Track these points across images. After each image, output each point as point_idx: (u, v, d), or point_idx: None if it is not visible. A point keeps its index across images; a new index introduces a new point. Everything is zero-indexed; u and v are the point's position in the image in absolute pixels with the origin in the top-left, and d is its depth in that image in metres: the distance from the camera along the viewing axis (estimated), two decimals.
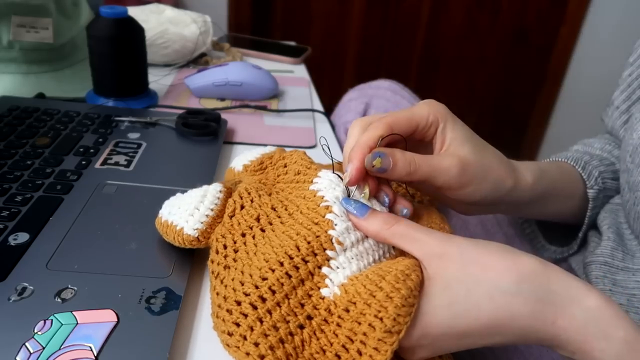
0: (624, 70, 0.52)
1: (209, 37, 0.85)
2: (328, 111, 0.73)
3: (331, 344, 0.28)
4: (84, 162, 0.49)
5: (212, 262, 0.34)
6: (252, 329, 0.28)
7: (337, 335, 0.28)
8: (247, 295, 0.29)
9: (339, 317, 0.28)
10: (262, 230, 0.34)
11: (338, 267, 0.30)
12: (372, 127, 0.35)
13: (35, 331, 0.29)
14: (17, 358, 0.28)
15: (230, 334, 0.28)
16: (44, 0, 0.64)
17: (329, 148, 0.37)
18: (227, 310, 0.29)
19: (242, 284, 0.30)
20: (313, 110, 0.71)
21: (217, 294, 0.31)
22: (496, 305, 0.27)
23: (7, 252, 0.36)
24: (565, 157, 0.51)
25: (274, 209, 0.35)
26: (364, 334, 0.27)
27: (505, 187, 0.39)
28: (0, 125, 0.54)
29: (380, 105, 0.67)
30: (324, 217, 0.32)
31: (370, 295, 0.28)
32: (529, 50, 2.05)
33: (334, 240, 0.31)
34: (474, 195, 0.37)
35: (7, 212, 0.40)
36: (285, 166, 0.41)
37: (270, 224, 0.34)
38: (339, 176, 0.35)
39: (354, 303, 0.28)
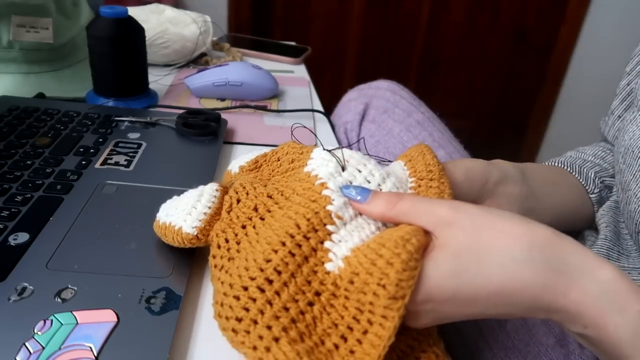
0: (621, 80, 0.53)
1: (209, 37, 0.85)
2: (328, 111, 0.73)
3: (342, 317, 0.28)
4: (84, 162, 0.49)
5: (214, 257, 0.34)
6: (262, 313, 0.27)
7: (347, 308, 0.28)
8: (253, 279, 0.29)
9: (346, 289, 0.28)
10: (262, 218, 0.34)
11: (340, 241, 0.30)
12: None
13: (35, 331, 0.29)
14: (17, 358, 0.28)
15: (239, 320, 0.28)
16: (44, 0, 0.64)
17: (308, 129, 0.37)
18: (235, 297, 0.29)
19: (247, 269, 0.30)
20: (313, 111, 0.71)
21: (222, 282, 0.30)
22: (507, 273, 0.26)
23: (7, 252, 0.36)
24: (561, 162, 0.52)
25: (270, 196, 0.35)
26: (370, 303, 0.27)
27: (482, 170, 0.40)
28: (0, 125, 0.54)
29: (380, 105, 0.68)
30: (320, 194, 0.32)
31: (371, 264, 0.27)
32: (529, 50, 2.05)
33: (333, 215, 0.31)
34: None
35: (7, 212, 0.40)
36: (279, 159, 0.40)
37: (269, 211, 0.34)
38: (329, 151, 0.35)
39: (357, 274, 0.28)
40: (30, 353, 0.28)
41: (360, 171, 0.34)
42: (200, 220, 0.35)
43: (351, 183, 0.33)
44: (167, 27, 0.80)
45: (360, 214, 0.32)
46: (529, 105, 2.16)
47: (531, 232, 0.27)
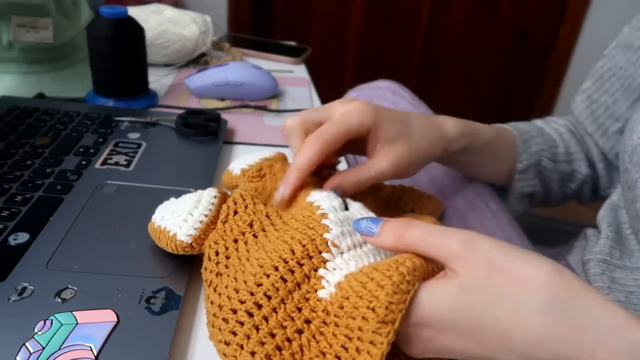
0: (599, 62, 0.56)
1: (209, 37, 0.85)
2: None
3: (331, 346, 0.27)
4: (84, 162, 0.49)
5: (205, 269, 0.33)
6: (248, 338, 0.27)
7: (336, 336, 0.27)
8: (242, 302, 0.28)
9: (335, 315, 0.28)
10: (255, 236, 0.33)
11: (335, 269, 0.29)
12: (308, 145, 0.37)
13: (35, 331, 0.29)
14: (17, 358, 0.28)
15: (227, 344, 0.28)
16: (44, 0, 0.64)
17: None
18: (224, 319, 0.28)
19: (237, 292, 0.29)
20: None
21: (212, 302, 0.30)
22: (519, 321, 0.23)
23: (7, 252, 0.36)
24: (515, 127, 0.55)
25: (268, 216, 0.35)
26: (359, 328, 0.26)
27: (436, 155, 0.44)
28: (0, 125, 0.54)
29: (380, 105, 0.67)
30: (319, 222, 0.31)
31: (362, 287, 0.27)
32: (529, 49, 2.05)
33: (329, 243, 0.30)
34: (410, 174, 0.42)
35: (7, 212, 0.40)
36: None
37: (264, 230, 0.34)
38: (335, 192, 0.35)
39: (347, 298, 0.27)
40: (30, 353, 0.28)
41: (361, 214, 0.34)
42: (195, 229, 0.35)
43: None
44: (167, 27, 0.80)
45: (361, 245, 0.31)
46: (529, 105, 2.16)
47: (554, 280, 0.24)
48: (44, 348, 0.28)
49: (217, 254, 0.33)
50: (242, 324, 0.28)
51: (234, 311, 0.28)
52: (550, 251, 0.58)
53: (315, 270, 0.30)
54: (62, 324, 0.30)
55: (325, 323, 0.28)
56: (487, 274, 0.25)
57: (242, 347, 0.27)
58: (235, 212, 0.36)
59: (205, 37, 0.84)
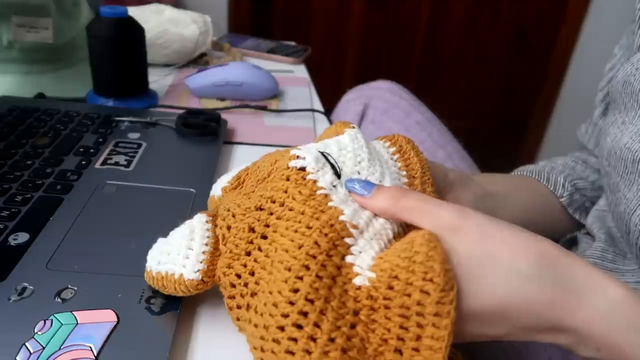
0: (602, 81, 0.54)
1: (209, 37, 0.85)
2: (328, 111, 0.73)
3: (389, 330, 0.25)
4: (84, 162, 0.49)
5: (233, 297, 0.30)
6: (309, 352, 0.24)
7: (389, 319, 0.25)
8: (286, 316, 0.25)
9: (385, 298, 0.26)
10: (264, 237, 0.31)
11: (361, 252, 0.28)
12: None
13: (35, 331, 0.29)
14: (17, 358, 0.28)
15: None
16: (44, 0, 0.64)
17: None
18: (274, 340, 0.25)
19: (276, 306, 0.26)
20: (313, 110, 0.71)
21: (256, 326, 0.27)
22: (511, 288, 0.25)
23: (7, 252, 0.36)
24: (529, 171, 0.53)
25: (260, 208, 0.32)
26: (419, 303, 0.24)
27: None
28: (0, 125, 0.54)
29: (379, 106, 0.68)
30: (327, 205, 0.29)
31: (410, 261, 0.25)
32: (529, 50, 2.05)
33: (348, 225, 0.28)
34: None
35: (7, 212, 0.40)
36: (258, 167, 0.37)
37: (267, 225, 0.31)
38: (322, 154, 0.33)
39: (395, 277, 0.25)
40: (30, 353, 0.28)
41: (358, 173, 0.33)
42: (201, 262, 0.31)
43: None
44: (167, 28, 0.80)
45: (376, 218, 0.30)
46: (529, 105, 2.16)
47: (538, 247, 0.26)
48: (44, 348, 0.28)
49: (238, 276, 0.30)
50: (295, 340, 0.25)
51: (282, 328, 0.25)
52: None
53: (343, 258, 0.27)
54: (62, 324, 0.30)
55: (373, 309, 0.26)
56: (478, 243, 0.26)
57: None
58: (229, 227, 0.32)
59: (205, 37, 0.84)
